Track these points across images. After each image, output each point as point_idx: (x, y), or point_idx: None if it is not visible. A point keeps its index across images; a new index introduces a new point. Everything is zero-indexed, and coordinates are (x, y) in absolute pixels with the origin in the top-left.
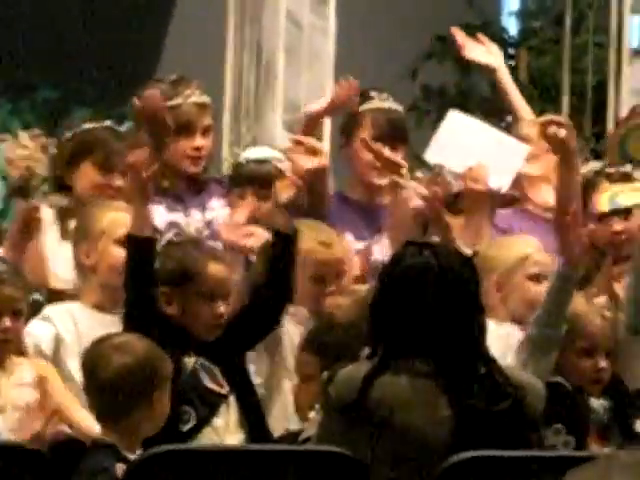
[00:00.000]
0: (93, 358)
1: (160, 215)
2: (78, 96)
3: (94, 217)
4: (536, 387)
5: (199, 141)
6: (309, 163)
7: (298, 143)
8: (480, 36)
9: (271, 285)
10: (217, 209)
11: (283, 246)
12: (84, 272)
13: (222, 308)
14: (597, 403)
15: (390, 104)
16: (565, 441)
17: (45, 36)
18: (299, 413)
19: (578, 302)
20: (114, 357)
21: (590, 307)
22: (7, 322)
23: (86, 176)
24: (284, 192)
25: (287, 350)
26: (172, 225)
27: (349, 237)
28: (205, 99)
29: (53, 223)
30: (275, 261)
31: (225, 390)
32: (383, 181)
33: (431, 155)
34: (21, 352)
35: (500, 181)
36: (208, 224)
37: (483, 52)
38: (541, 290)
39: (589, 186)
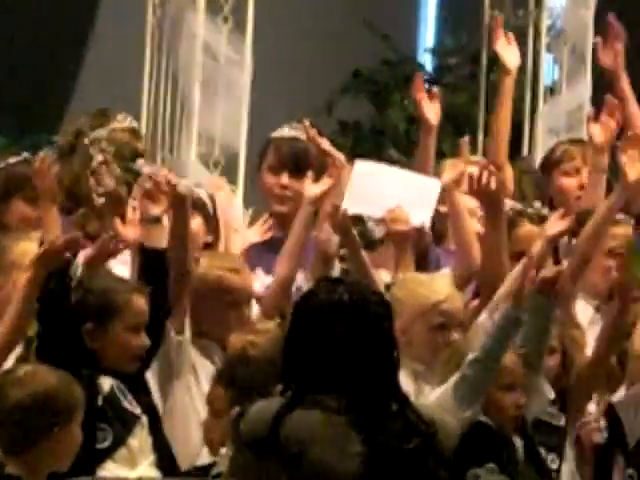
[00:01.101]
0: None
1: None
2: None
3: (5, 249)
4: (448, 424)
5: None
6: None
7: None
8: (510, 36)
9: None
10: None
11: (154, 261)
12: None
13: (145, 339)
14: (517, 441)
15: (297, 132)
16: None
17: None
18: (210, 448)
19: None
20: (12, 391)
21: None
22: None
23: (17, 211)
24: (154, 207)
25: (193, 384)
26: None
27: (260, 272)
28: (136, 125)
29: None
30: (147, 277)
31: (138, 411)
32: (283, 209)
33: (348, 205)
34: None
35: (421, 217)
36: None
37: (507, 50)
38: (446, 339)
39: (510, 225)
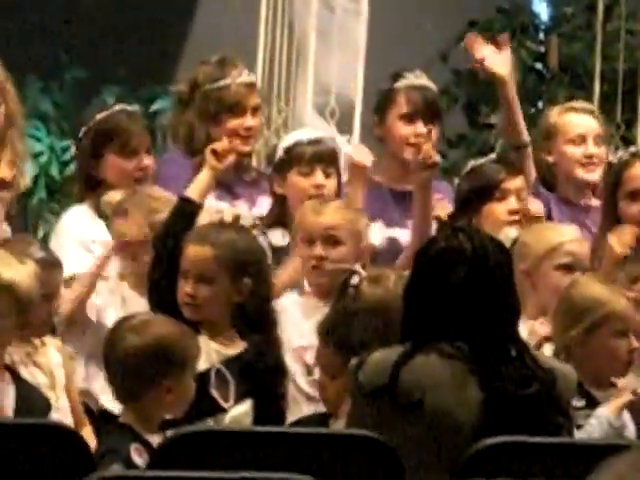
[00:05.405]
0: (111, 336)
1: (209, 202)
2: (107, 75)
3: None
4: (567, 373)
5: (250, 121)
6: None
7: None
8: (502, 38)
9: None
10: (265, 207)
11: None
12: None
13: (189, 287)
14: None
15: (424, 81)
16: None
17: (73, 14)
18: (328, 407)
19: (596, 286)
20: (128, 338)
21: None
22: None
23: (112, 165)
24: None
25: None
26: (218, 213)
27: (380, 224)
28: (253, 79)
29: None
30: None
31: (228, 405)
32: (417, 157)
33: None
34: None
35: None
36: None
37: (495, 59)
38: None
39: (624, 166)
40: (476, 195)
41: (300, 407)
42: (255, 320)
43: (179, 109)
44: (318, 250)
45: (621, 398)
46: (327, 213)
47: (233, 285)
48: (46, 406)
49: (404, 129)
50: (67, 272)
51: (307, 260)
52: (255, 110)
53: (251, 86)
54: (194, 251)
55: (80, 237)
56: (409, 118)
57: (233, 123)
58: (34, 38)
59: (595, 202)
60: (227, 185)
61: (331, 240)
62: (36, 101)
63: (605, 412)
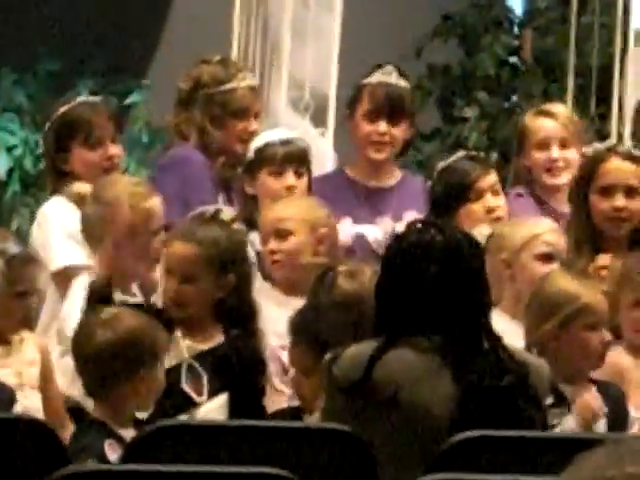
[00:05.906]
0: (80, 331)
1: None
2: (81, 68)
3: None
4: (540, 366)
5: (254, 125)
6: None
7: None
8: None
9: None
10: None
11: None
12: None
13: (173, 286)
14: None
15: (390, 78)
16: None
17: (48, 6)
18: (303, 404)
19: (568, 280)
20: (98, 332)
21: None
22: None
23: (79, 158)
24: None
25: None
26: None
27: (347, 221)
28: (256, 82)
29: None
30: None
31: (201, 399)
32: (380, 156)
33: None
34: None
35: None
36: None
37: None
38: (549, 270)
39: (598, 160)
40: (450, 198)
41: (275, 406)
42: (236, 314)
43: (180, 108)
44: (271, 244)
45: (589, 415)
46: (276, 208)
47: (217, 282)
48: (9, 397)
49: (366, 127)
50: (58, 265)
51: (266, 257)
52: (257, 114)
53: (255, 90)
54: (178, 249)
55: (67, 229)
56: (370, 116)
57: (237, 127)
58: (8, 30)
59: (567, 208)
60: (228, 190)
61: (280, 233)
62: (10, 94)
63: (572, 426)
